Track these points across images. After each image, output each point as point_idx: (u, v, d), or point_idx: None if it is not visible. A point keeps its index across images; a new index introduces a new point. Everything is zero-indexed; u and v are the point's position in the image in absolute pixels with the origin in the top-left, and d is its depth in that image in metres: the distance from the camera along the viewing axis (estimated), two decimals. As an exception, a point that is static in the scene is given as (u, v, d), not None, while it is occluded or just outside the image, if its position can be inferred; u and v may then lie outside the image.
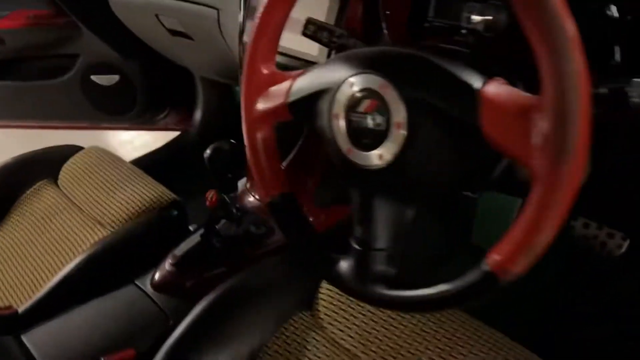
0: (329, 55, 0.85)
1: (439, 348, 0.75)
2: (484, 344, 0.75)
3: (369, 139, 0.54)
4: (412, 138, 0.51)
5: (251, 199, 1.07)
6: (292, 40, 0.80)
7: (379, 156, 0.54)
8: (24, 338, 0.83)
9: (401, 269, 0.58)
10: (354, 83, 0.55)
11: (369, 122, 0.54)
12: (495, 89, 0.47)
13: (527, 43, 0.43)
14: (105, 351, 0.80)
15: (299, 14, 0.70)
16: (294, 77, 0.62)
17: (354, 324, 0.80)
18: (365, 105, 0.54)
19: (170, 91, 1.83)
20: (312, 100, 0.59)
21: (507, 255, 0.46)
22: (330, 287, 0.84)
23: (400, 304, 0.55)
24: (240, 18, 0.98)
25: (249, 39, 0.64)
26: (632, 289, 1.11)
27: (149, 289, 0.93)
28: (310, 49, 0.86)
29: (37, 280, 0.99)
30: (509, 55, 0.60)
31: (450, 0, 0.63)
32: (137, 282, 0.94)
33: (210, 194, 0.99)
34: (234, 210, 0.96)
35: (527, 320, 1.16)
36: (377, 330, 0.78)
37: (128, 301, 0.90)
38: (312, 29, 0.70)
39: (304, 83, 0.61)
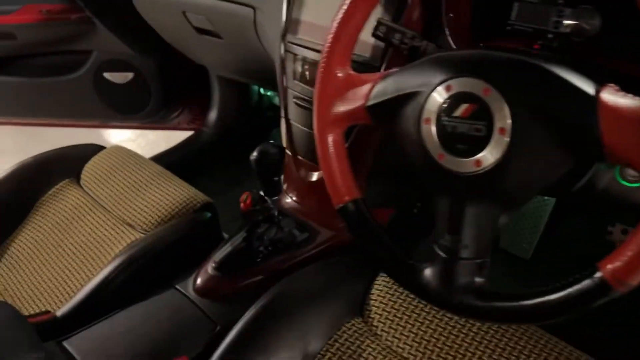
0: (383, 57, 0.83)
1: (504, 358, 0.73)
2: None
3: (464, 144, 0.53)
4: (517, 144, 0.50)
5: (289, 200, 1.05)
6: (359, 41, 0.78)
7: (475, 162, 0.52)
8: (67, 344, 0.80)
9: (488, 278, 0.57)
10: (451, 86, 0.53)
11: (466, 127, 0.52)
12: (612, 95, 0.46)
13: (618, 50, 0.42)
14: (154, 358, 0.77)
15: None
16: (375, 80, 0.60)
17: (411, 331, 0.78)
18: (462, 109, 0.53)
19: (184, 90, 1.80)
20: (398, 103, 0.57)
21: (625, 266, 0.45)
22: (381, 291, 0.82)
23: (499, 316, 0.54)
24: (284, 17, 0.96)
25: (326, 42, 0.62)
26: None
27: (191, 293, 0.90)
28: (364, 50, 0.84)
29: (72, 283, 0.96)
30: (598, 61, 0.59)
31: (536, 3, 0.62)
32: (178, 287, 0.92)
33: (245, 196, 0.96)
34: (276, 214, 0.94)
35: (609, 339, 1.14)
36: (436, 339, 0.77)
37: (171, 306, 0.88)
38: (383, 30, 0.68)
39: (388, 85, 0.59)
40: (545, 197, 1.20)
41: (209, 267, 0.92)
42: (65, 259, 1.02)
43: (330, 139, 0.64)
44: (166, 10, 1.31)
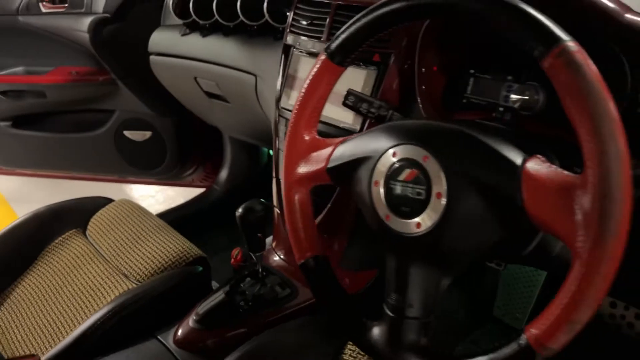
0: (363, 124, 0.88)
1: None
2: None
3: (407, 206, 0.56)
4: (452, 208, 0.53)
5: (276, 258, 1.08)
6: (330, 109, 0.84)
7: (417, 224, 0.55)
8: (46, 388, 0.83)
9: (432, 339, 0.58)
10: (395, 153, 0.57)
11: (409, 190, 0.56)
12: (536, 165, 0.49)
13: (563, 122, 0.45)
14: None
15: (338, 85, 0.74)
16: (336, 144, 0.65)
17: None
18: (405, 174, 0.56)
19: (198, 149, 1.88)
20: (353, 166, 0.61)
21: (547, 330, 0.47)
22: (353, 351, 0.83)
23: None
24: (278, 85, 1.03)
25: (294, 108, 0.68)
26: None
27: (171, 344, 0.92)
28: (346, 117, 0.90)
29: (61, 329, 1.00)
30: (544, 133, 0.62)
31: (488, 79, 0.67)
32: (159, 337, 0.94)
33: (236, 252, 1.00)
34: (260, 270, 0.97)
35: None
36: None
37: (149, 355, 0.90)
38: (352, 100, 0.73)
39: (345, 150, 0.63)
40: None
41: (191, 320, 0.94)
42: (61, 304, 1.06)
43: (296, 197, 0.68)
44: (180, 75, 1.40)
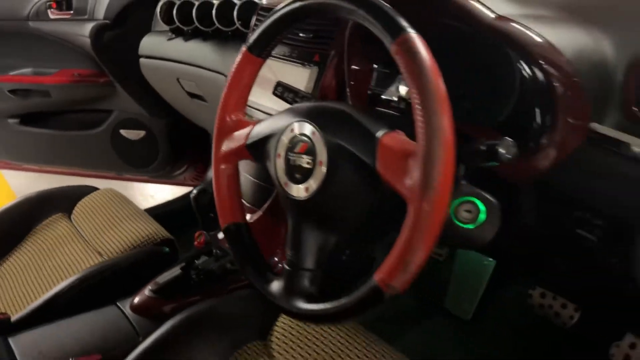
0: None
1: None
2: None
3: (300, 174, 0.66)
4: (330, 174, 0.62)
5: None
6: (266, 98, 0.94)
7: (305, 189, 0.65)
8: (11, 340, 0.94)
9: (324, 288, 0.67)
10: (293, 129, 0.67)
11: (302, 160, 0.65)
12: (391, 137, 0.59)
13: None
14: (76, 357, 0.89)
15: (282, 79, 0.85)
16: (254, 124, 0.75)
17: (300, 354, 0.87)
18: (300, 147, 0.66)
19: (189, 149, 2.00)
20: (265, 142, 0.72)
21: (388, 271, 0.56)
22: (286, 320, 0.92)
23: (309, 317, 0.64)
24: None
25: (222, 94, 0.78)
26: None
27: (128, 310, 1.03)
28: (278, 105, 1.00)
29: (34, 295, 1.11)
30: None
31: (387, 72, 0.76)
32: (118, 304, 1.05)
33: (198, 235, 1.10)
34: (213, 249, 1.07)
35: None
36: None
37: (107, 318, 1.00)
38: (280, 90, 0.83)
39: (259, 128, 0.73)
40: (485, 260, 1.26)
41: (147, 290, 1.05)
42: (40, 277, 1.17)
43: (222, 171, 0.78)
44: (165, 77, 1.53)
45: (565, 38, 0.67)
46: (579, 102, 0.65)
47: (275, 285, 0.69)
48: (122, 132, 1.92)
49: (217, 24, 1.30)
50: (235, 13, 1.25)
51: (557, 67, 0.64)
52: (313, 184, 0.64)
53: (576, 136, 0.65)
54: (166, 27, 1.49)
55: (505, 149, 0.55)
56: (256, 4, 1.19)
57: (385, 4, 0.57)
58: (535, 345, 1.22)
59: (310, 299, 0.65)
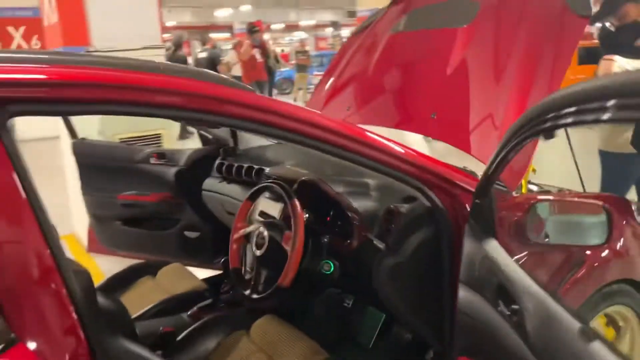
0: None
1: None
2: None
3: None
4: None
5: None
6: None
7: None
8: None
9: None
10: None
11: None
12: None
13: None
14: None
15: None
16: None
17: (270, 339, 1.90)
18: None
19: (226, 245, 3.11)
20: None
21: (283, 277, 1.63)
22: (264, 320, 1.96)
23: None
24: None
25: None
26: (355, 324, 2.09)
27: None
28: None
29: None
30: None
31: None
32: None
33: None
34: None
35: None
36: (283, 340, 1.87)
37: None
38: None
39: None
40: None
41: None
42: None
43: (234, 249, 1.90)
44: (216, 203, 2.69)
45: (362, 205, 1.78)
46: (363, 230, 1.74)
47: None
48: (186, 233, 3.07)
49: (243, 177, 2.47)
50: (253, 174, 2.42)
51: (357, 220, 1.74)
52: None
53: (359, 237, 1.73)
54: (218, 175, 2.68)
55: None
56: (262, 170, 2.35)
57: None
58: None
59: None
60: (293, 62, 17.21)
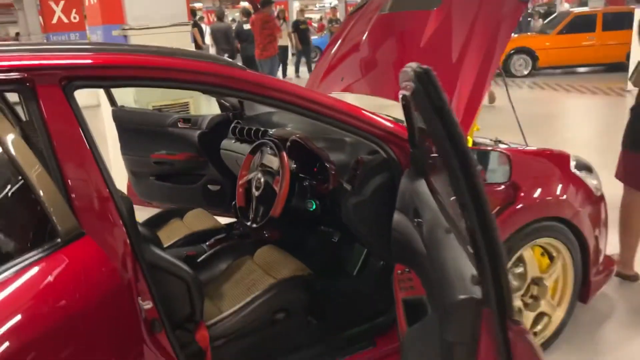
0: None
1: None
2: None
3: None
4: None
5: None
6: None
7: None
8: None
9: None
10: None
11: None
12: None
13: None
14: None
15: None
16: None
17: (268, 261, 2.45)
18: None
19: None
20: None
21: (274, 209, 2.17)
22: (266, 247, 2.51)
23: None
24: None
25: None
26: (343, 256, 2.62)
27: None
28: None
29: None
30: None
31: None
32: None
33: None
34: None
35: None
36: (278, 261, 2.42)
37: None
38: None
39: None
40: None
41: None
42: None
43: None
44: (232, 159, 3.23)
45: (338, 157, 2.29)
46: (338, 176, 2.25)
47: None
48: (209, 186, 3.63)
49: (252, 138, 2.99)
50: (259, 135, 2.94)
51: (333, 169, 2.25)
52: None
53: (334, 182, 2.24)
54: (232, 136, 3.21)
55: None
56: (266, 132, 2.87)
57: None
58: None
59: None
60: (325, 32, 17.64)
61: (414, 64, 1.40)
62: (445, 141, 1.06)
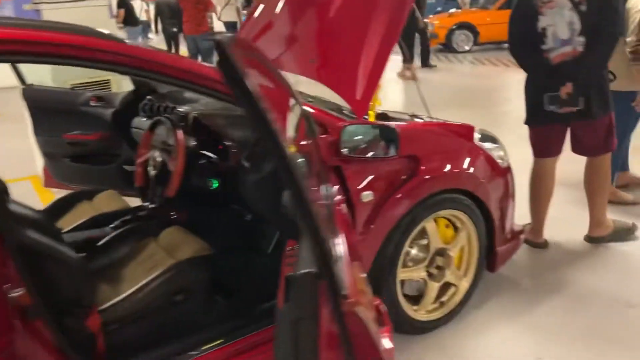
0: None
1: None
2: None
3: None
4: None
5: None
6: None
7: None
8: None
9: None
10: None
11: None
12: None
13: None
14: None
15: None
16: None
17: (171, 242, 2.39)
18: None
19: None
20: None
21: None
22: (170, 229, 2.45)
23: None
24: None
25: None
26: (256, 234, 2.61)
27: None
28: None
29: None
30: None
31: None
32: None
33: None
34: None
35: None
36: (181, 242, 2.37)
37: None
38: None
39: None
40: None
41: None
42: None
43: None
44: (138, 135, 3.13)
45: (240, 135, 2.24)
46: (238, 154, 2.20)
47: None
48: (125, 167, 3.52)
49: (159, 117, 2.91)
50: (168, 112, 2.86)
51: (234, 147, 2.21)
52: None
53: (235, 160, 2.19)
54: (143, 113, 3.11)
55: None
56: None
57: None
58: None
59: None
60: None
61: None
62: (247, 107, 0.97)
